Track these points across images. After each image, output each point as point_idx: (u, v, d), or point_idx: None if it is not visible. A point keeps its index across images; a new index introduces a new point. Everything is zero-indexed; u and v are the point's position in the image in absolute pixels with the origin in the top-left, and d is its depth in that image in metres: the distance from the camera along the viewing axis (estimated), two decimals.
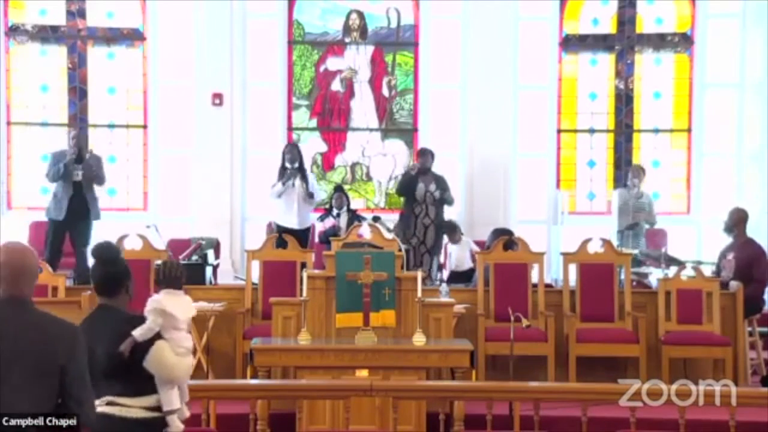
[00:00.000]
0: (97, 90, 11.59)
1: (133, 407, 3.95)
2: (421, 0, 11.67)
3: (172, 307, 4.12)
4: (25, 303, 3.29)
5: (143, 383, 3.98)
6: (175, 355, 4.05)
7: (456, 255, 9.65)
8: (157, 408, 4.00)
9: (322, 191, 10.00)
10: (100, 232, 9.00)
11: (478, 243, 9.65)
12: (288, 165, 9.65)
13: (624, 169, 11.46)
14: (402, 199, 10.03)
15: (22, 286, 3.29)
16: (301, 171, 9.67)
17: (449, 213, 10.01)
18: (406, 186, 9.75)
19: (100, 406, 3.86)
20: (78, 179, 8.76)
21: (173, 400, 4.04)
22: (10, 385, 3.12)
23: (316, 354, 6.09)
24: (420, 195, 9.50)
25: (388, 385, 5.37)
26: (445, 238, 9.81)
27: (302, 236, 9.27)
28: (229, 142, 11.24)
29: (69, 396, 3.21)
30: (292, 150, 9.80)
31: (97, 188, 9.06)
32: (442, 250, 9.90)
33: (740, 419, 4.98)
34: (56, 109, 11.55)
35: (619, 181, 11.38)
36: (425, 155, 9.77)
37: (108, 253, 4.18)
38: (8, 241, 3.49)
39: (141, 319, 4.04)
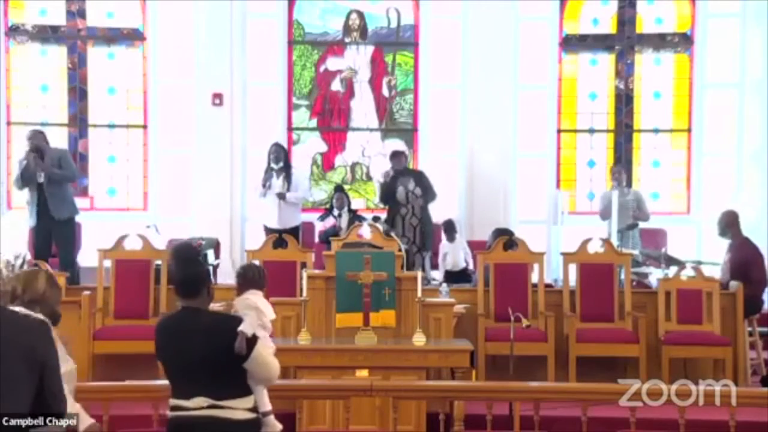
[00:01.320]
0: (97, 90, 11.58)
1: (237, 409, 3.93)
2: (421, 0, 11.67)
3: (263, 305, 4.17)
4: None
5: (242, 384, 3.97)
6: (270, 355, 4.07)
7: (451, 255, 9.66)
8: (255, 409, 4.01)
9: (305, 191, 9.96)
10: (101, 232, 9.02)
11: (478, 243, 9.65)
12: (273, 165, 9.66)
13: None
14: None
15: None
16: (286, 170, 9.66)
17: (448, 212, 10.00)
18: (386, 193, 9.73)
19: (204, 410, 3.87)
20: (41, 180, 8.63)
21: (266, 400, 4.06)
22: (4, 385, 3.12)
23: (316, 354, 6.10)
24: (402, 197, 9.50)
25: (388, 385, 5.38)
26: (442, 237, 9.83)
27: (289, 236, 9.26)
28: (229, 142, 11.23)
29: (46, 390, 3.19)
30: (277, 150, 9.80)
31: (67, 186, 8.84)
32: (431, 249, 9.88)
33: (740, 419, 4.98)
34: (56, 109, 11.54)
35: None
36: (397, 157, 9.81)
37: (187, 253, 4.14)
38: None
39: (231, 318, 4.04)
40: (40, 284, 3.80)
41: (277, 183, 9.60)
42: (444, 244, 9.89)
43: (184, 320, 4.01)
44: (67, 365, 3.82)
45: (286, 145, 10.68)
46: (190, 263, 4.06)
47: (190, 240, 4.23)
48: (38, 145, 8.76)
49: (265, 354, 4.02)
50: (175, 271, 4.05)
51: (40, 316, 3.35)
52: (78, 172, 9.17)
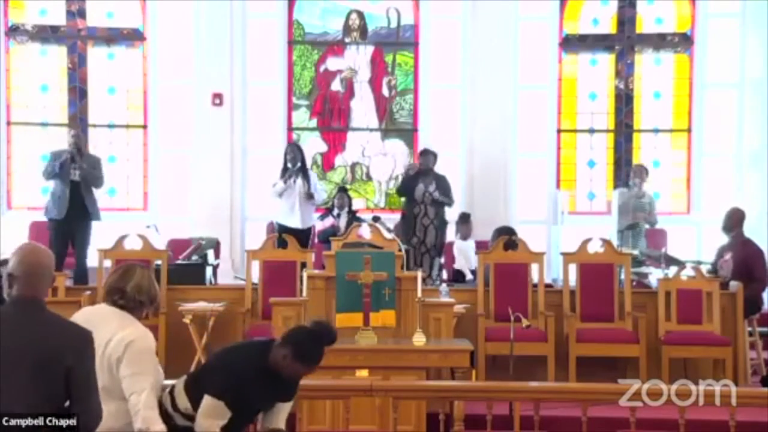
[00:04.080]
0: (97, 90, 11.59)
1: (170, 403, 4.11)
2: (421, 0, 11.67)
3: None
4: (36, 303, 3.28)
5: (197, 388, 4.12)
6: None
7: (463, 255, 9.67)
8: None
9: (323, 191, 9.98)
10: (100, 232, 9.02)
11: (478, 243, 9.66)
12: (290, 165, 9.63)
13: (624, 169, 11.46)
14: (402, 199, 10.02)
15: (34, 286, 3.28)
16: (303, 171, 9.65)
17: (448, 212, 9.99)
18: (406, 186, 9.75)
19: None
20: (76, 179, 8.75)
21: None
22: (9, 385, 3.12)
23: None
24: (419, 195, 9.48)
25: (388, 385, 5.37)
26: (449, 237, 9.81)
27: (303, 236, 9.26)
28: (229, 142, 11.24)
29: (74, 399, 3.20)
30: (294, 150, 9.76)
31: (95, 190, 9.06)
32: (444, 250, 9.88)
33: (740, 419, 4.97)
34: (56, 109, 11.55)
35: (619, 181, 11.39)
36: (426, 155, 9.74)
37: (320, 328, 4.25)
38: (25, 242, 3.55)
39: (247, 370, 4.11)
40: (155, 287, 4.08)
41: (298, 183, 9.54)
42: (457, 244, 9.88)
43: (253, 341, 4.53)
44: (159, 378, 4.00)
45: (300, 145, 10.65)
46: (310, 332, 4.19)
47: (334, 328, 4.35)
48: (79, 146, 8.88)
49: (208, 414, 4.03)
50: (301, 329, 4.29)
51: (83, 327, 3.38)
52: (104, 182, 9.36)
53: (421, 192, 9.47)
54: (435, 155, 9.71)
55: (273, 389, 4.14)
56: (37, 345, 3.17)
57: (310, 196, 9.46)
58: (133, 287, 3.97)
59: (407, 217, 9.60)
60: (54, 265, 3.43)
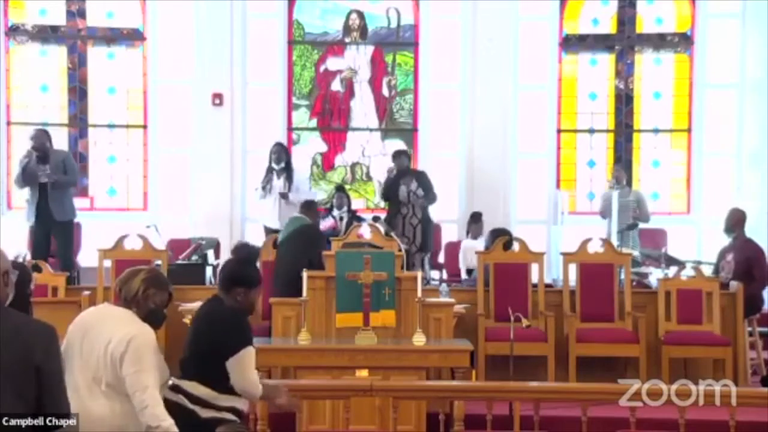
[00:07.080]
0: (97, 90, 11.58)
1: (192, 396, 4.10)
2: (421, 0, 11.67)
3: None
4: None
5: (216, 376, 4.13)
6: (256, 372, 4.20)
7: (471, 255, 9.67)
8: (215, 406, 4.12)
9: (305, 193, 9.95)
10: (101, 232, 9.02)
11: None
12: (274, 165, 9.64)
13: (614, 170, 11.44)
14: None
15: None
16: (287, 171, 9.64)
17: (447, 213, 10.02)
18: (388, 190, 9.72)
19: (171, 392, 4.05)
20: (44, 181, 8.63)
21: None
22: None
23: (316, 354, 6.10)
24: (403, 196, 9.46)
25: (388, 385, 5.38)
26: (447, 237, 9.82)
27: None
28: (229, 142, 11.23)
29: (45, 394, 3.16)
30: (279, 150, 9.79)
31: (71, 188, 8.92)
32: (431, 250, 9.87)
33: (740, 419, 4.98)
34: (56, 109, 11.54)
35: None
36: (399, 157, 9.79)
37: (241, 253, 4.57)
38: None
39: (235, 315, 4.26)
40: (134, 284, 4.01)
41: (278, 183, 9.59)
42: (464, 243, 9.88)
43: (206, 306, 4.42)
44: (164, 374, 4.00)
45: (286, 145, 10.66)
46: (238, 262, 4.48)
47: (251, 244, 4.58)
48: (41, 145, 8.79)
49: (248, 367, 4.14)
50: (224, 264, 4.51)
51: (46, 322, 3.34)
52: (79, 174, 9.23)
53: (405, 193, 9.45)
54: (408, 155, 9.79)
55: None
56: (8, 346, 3.14)
57: (284, 195, 9.47)
58: (141, 287, 3.99)
59: (392, 217, 9.54)
60: (6, 265, 3.24)
